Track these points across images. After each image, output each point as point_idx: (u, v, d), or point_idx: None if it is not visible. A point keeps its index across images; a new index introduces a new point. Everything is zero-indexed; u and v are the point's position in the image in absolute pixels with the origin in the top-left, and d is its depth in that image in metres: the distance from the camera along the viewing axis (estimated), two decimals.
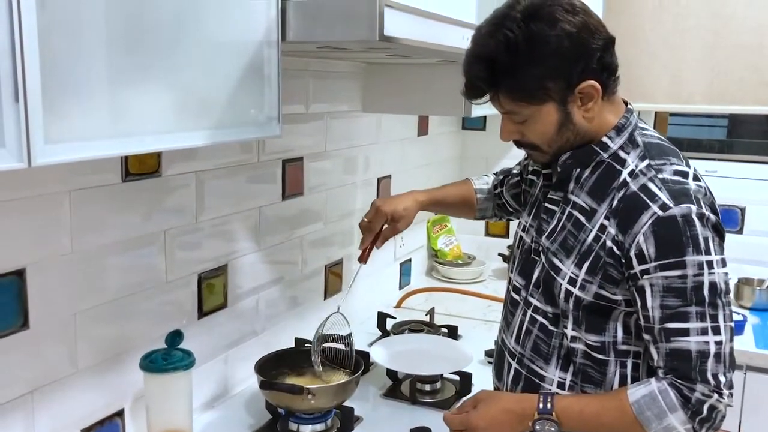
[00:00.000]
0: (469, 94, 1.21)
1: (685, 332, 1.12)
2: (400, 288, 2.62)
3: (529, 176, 1.48)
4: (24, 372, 1.21)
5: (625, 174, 1.19)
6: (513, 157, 2.31)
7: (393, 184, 2.44)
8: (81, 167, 1.24)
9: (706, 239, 1.11)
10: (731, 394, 1.14)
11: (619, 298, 1.18)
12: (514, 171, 1.64)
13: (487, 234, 3.02)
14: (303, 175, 1.93)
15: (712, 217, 1.14)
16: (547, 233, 1.28)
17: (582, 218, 1.22)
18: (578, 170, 1.24)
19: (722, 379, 1.12)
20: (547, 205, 1.31)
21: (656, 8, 2.68)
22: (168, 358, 1.39)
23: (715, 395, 1.12)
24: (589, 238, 1.19)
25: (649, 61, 2.71)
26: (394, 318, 2.17)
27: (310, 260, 2.02)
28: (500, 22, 1.14)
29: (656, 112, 2.88)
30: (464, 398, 1.65)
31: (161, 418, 1.41)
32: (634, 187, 1.16)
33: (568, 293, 1.21)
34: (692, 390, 1.12)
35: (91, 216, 1.30)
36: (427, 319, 2.16)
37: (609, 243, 1.17)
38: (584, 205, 1.22)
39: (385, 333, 2.11)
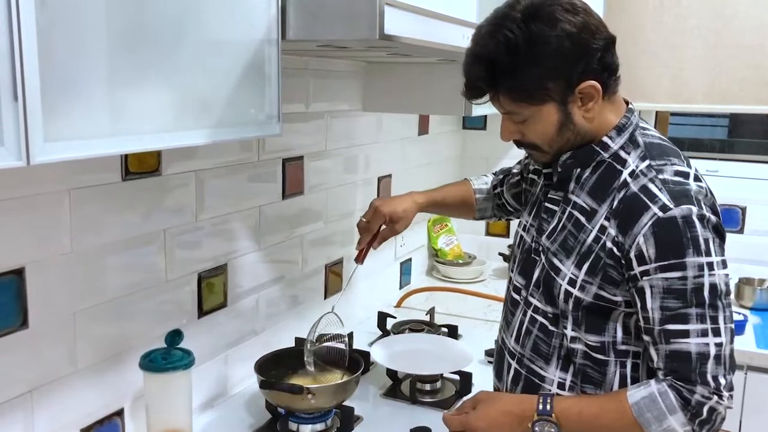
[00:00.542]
0: (469, 94, 1.21)
1: (685, 334, 1.12)
2: (401, 287, 2.62)
3: (530, 175, 1.48)
4: (23, 371, 1.21)
5: (625, 174, 1.18)
6: (513, 156, 2.30)
7: (393, 184, 2.43)
8: (80, 166, 1.24)
9: (706, 240, 1.11)
10: (731, 396, 1.14)
11: (618, 299, 1.18)
12: (515, 170, 1.63)
13: (488, 233, 3.02)
14: (303, 174, 1.93)
15: (713, 218, 1.13)
16: (547, 233, 1.27)
17: (582, 218, 1.21)
18: (579, 170, 1.24)
19: (722, 381, 1.12)
20: (547, 204, 1.30)
21: (657, 8, 2.68)
22: (168, 357, 1.39)
23: (715, 397, 1.12)
24: (589, 239, 1.19)
25: (650, 61, 2.70)
26: (395, 317, 2.17)
27: (311, 259, 2.02)
28: (500, 22, 1.13)
29: (657, 112, 2.88)
30: (464, 398, 1.66)
31: (161, 418, 1.41)
32: (634, 187, 1.16)
33: (568, 294, 1.21)
34: (692, 392, 1.12)
35: (91, 215, 1.30)
36: (427, 318, 2.16)
37: (609, 244, 1.16)
38: (584, 205, 1.22)
39: (385, 332, 2.10)
